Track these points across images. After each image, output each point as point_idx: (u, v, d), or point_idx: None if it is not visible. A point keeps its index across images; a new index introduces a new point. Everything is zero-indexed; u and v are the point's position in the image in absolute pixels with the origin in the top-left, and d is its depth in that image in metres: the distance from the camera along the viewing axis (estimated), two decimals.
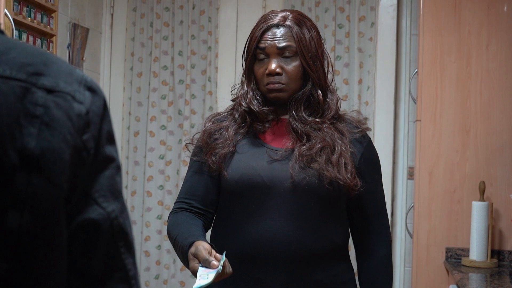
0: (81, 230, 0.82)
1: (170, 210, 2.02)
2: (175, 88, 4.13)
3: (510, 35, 3.26)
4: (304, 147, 1.91)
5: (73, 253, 0.82)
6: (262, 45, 1.93)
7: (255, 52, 1.95)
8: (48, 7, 3.46)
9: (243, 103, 1.98)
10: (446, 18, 3.32)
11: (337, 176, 1.88)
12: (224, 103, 4.05)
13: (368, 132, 2.08)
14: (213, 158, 1.94)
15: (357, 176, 1.93)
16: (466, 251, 3.22)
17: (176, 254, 1.89)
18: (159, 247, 4.12)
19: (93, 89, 0.84)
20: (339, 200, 1.95)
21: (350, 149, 1.95)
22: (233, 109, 2.05)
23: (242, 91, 2.01)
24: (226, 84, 4.04)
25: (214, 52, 4.09)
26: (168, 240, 3.99)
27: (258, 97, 1.97)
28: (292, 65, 1.93)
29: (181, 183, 4.03)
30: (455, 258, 3.25)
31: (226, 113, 2.07)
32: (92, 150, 0.82)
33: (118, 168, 0.87)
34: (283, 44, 1.93)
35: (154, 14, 4.15)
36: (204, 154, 1.97)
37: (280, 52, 1.93)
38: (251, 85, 1.98)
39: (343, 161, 1.90)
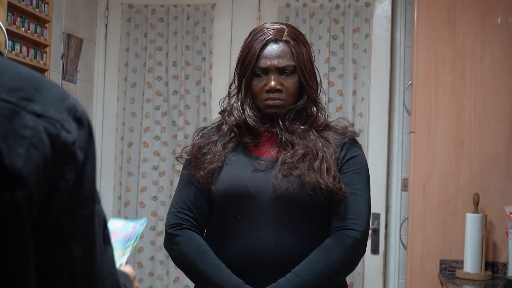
0: (45, 268, 0.81)
1: (167, 221, 2.02)
2: (169, 98, 4.12)
3: (504, 47, 3.26)
4: (287, 154, 1.94)
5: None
6: (262, 65, 1.96)
7: (253, 69, 1.97)
8: (42, 18, 3.46)
9: (236, 116, 2.00)
10: (440, 30, 3.33)
11: (319, 181, 1.88)
12: (218, 113, 4.04)
13: (361, 143, 2.09)
14: (201, 172, 1.97)
15: (342, 179, 1.94)
16: (460, 263, 3.21)
17: (172, 269, 1.88)
18: (152, 258, 4.10)
19: (81, 121, 0.83)
20: (322, 205, 1.94)
21: (335, 154, 1.96)
22: (221, 122, 2.07)
23: (236, 104, 2.02)
24: (220, 94, 4.01)
25: (209, 63, 4.08)
26: (159, 250, 3.99)
27: (254, 112, 1.99)
28: (291, 82, 1.97)
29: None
30: (449, 270, 3.24)
31: (213, 127, 2.10)
32: (71, 182, 0.81)
33: (98, 204, 0.86)
34: (283, 64, 1.95)
35: (148, 25, 4.15)
36: (193, 168, 2.00)
37: (280, 70, 1.95)
38: (248, 100, 1.99)
39: (325, 166, 1.91)
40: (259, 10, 4.04)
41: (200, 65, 4.10)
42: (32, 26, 3.37)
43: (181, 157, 2.08)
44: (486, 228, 3.16)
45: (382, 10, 3.89)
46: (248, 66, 1.97)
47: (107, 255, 0.88)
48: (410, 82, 3.50)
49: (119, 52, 4.21)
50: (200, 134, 2.08)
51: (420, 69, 3.34)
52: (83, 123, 0.84)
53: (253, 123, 1.97)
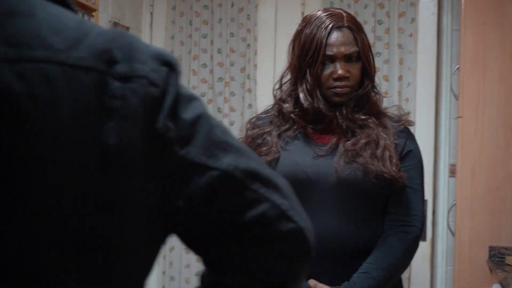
0: (201, 196, 0.77)
1: None
2: (214, 85, 4.13)
3: None
4: (349, 142, 1.93)
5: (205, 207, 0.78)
6: (329, 53, 1.94)
7: (322, 58, 1.94)
8: (89, 6, 3.50)
9: (305, 105, 1.95)
10: (488, 13, 3.27)
11: (382, 169, 1.88)
12: (263, 100, 4.06)
13: (410, 127, 2.08)
14: None
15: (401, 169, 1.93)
16: (510, 250, 3.16)
17: None
18: None
19: (170, 63, 0.79)
20: (383, 193, 1.94)
21: (395, 141, 1.95)
22: (274, 110, 2.05)
23: (302, 94, 1.97)
24: (265, 81, 4.03)
25: (253, 50, 4.09)
26: None
27: (323, 100, 1.96)
28: (356, 68, 1.97)
29: None
30: (498, 257, 3.20)
31: (267, 116, 2.07)
32: (172, 125, 0.75)
33: (210, 119, 0.79)
34: (350, 50, 1.95)
35: (193, 13, 4.17)
36: None
37: (346, 58, 1.94)
38: (316, 88, 1.96)
39: (388, 154, 1.91)
40: None
41: (245, 51, 4.10)
42: (79, 15, 3.41)
43: None
44: None
45: None
46: (315, 55, 1.94)
47: None
48: (458, 66, 3.45)
49: (165, 40, 4.23)
50: (254, 124, 2.06)
51: (468, 53, 3.29)
52: (173, 65, 0.79)
53: (326, 110, 1.94)
